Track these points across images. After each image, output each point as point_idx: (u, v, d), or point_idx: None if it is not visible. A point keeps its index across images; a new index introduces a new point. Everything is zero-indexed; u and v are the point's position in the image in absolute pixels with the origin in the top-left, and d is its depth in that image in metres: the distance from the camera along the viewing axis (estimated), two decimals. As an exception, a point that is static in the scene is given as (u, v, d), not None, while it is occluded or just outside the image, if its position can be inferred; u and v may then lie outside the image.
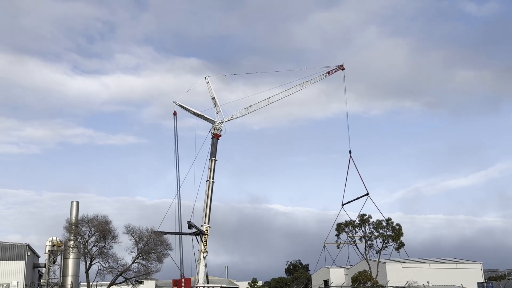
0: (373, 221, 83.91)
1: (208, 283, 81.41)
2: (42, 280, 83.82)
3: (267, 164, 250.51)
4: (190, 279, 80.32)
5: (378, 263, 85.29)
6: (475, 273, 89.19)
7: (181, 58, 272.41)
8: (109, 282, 71.16)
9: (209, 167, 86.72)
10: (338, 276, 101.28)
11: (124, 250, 70.83)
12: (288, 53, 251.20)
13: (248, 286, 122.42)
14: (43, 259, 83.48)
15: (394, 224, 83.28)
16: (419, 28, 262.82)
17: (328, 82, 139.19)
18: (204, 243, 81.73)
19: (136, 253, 70.41)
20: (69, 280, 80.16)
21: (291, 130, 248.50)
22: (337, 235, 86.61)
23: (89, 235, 70.07)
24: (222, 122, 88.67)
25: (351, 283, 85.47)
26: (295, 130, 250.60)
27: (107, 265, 69.81)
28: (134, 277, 71.26)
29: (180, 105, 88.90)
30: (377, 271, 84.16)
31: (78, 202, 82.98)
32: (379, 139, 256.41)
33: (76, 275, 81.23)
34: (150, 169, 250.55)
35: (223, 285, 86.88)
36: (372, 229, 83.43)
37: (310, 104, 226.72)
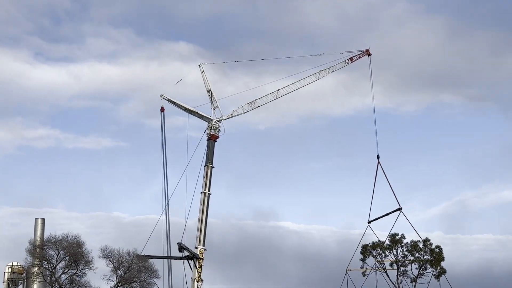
0: (406, 242, 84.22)
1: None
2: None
3: (274, 171, 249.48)
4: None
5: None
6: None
7: (167, 42, 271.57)
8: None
9: (204, 175, 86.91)
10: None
11: (100, 278, 72.19)
12: (299, 37, 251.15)
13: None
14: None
15: (433, 246, 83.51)
16: (460, 4, 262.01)
17: (349, 71, 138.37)
18: (199, 269, 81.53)
19: (115, 281, 71.15)
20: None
21: (303, 130, 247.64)
22: (363, 260, 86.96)
23: (58, 259, 72.06)
24: (220, 120, 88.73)
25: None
26: (309, 130, 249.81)
27: (79, 296, 70.06)
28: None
29: (168, 100, 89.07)
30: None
31: (43, 219, 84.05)
32: (413, 141, 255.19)
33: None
34: (131, 178, 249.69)
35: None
36: (405, 252, 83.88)
37: (326, 98, 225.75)
